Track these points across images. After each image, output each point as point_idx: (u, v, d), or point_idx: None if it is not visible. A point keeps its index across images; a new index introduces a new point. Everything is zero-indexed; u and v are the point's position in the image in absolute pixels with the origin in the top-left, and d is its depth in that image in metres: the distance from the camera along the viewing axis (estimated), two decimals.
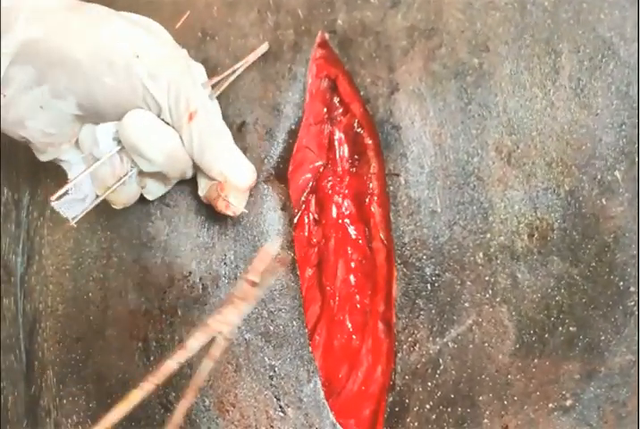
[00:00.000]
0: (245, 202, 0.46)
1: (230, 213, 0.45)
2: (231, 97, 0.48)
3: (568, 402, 0.47)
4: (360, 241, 0.50)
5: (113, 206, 0.46)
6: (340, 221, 0.50)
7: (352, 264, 0.50)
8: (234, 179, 0.44)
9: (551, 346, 0.47)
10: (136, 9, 0.46)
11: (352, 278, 0.50)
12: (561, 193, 0.47)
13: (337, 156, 0.51)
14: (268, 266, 0.40)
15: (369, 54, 0.48)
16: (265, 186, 0.48)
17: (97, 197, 0.45)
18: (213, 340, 0.39)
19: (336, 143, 0.50)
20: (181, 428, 0.45)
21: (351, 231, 0.51)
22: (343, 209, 0.51)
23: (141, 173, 0.45)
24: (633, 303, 0.47)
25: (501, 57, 0.47)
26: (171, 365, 0.39)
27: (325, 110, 0.51)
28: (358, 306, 0.50)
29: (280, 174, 0.48)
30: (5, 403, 0.52)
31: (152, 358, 0.47)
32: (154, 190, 0.47)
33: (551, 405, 0.47)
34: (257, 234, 0.47)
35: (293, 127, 0.49)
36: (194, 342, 0.39)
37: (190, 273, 0.48)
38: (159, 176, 0.45)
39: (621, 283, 0.47)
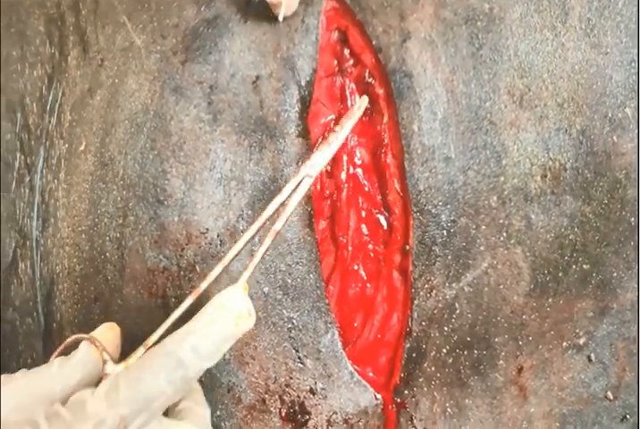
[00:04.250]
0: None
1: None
2: (243, 52, 0.49)
3: (582, 340, 0.48)
4: (372, 191, 0.51)
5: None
6: (351, 171, 0.51)
7: (363, 214, 0.51)
8: None
9: (565, 285, 0.48)
10: None
11: (364, 227, 0.51)
12: (573, 133, 0.47)
13: (349, 106, 0.51)
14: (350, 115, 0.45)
15: (380, 2, 0.49)
16: (282, 141, 0.48)
17: None
18: (301, 181, 0.43)
19: (347, 94, 0.51)
20: (201, 381, 0.46)
21: (363, 180, 0.51)
22: (356, 159, 0.51)
23: None
24: None
25: (510, 1, 0.47)
26: (271, 207, 0.43)
27: (336, 62, 0.51)
28: (372, 254, 0.51)
29: (296, 128, 0.49)
30: (24, 366, 0.52)
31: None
32: None
33: (565, 344, 0.48)
34: (275, 190, 0.48)
35: (308, 79, 0.49)
36: (287, 187, 0.43)
37: (208, 229, 0.48)
38: None
39: (632, 219, 0.48)
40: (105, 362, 0.40)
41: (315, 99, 0.50)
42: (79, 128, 0.51)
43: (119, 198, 0.50)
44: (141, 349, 0.41)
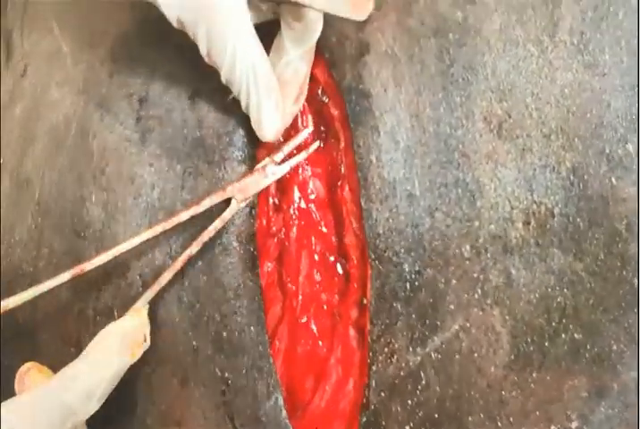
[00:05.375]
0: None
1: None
2: (180, 61, 0.45)
3: (574, 425, 0.43)
4: (327, 231, 0.47)
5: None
6: (304, 205, 0.47)
7: (316, 257, 0.47)
8: None
9: (553, 357, 0.43)
10: None
11: (317, 273, 0.47)
12: (562, 171, 0.43)
13: (299, 127, 0.46)
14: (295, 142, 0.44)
15: None
16: (222, 167, 0.44)
17: None
18: (228, 203, 0.42)
19: (298, 114, 0.46)
20: None
21: (317, 217, 0.47)
22: (309, 191, 0.47)
23: None
24: None
25: (488, 9, 0.43)
26: (183, 216, 0.41)
27: None
28: (325, 307, 0.46)
29: (240, 153, 0.45)
30: None
31: None
32: None
33: (553, 428, 0.43)
34: (208, 224, 0.43)
35: None
36: (207, 201, 0.42)
37: (128, 268, 0.44)
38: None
39: (635, 280, 0.43)
40: None
41: None
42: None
43: (34, 227, 0.46)
44: None
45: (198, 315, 0.43)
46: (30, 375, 0.40)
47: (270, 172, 0.43)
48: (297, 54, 0.41)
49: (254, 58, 0.39)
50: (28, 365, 0.41)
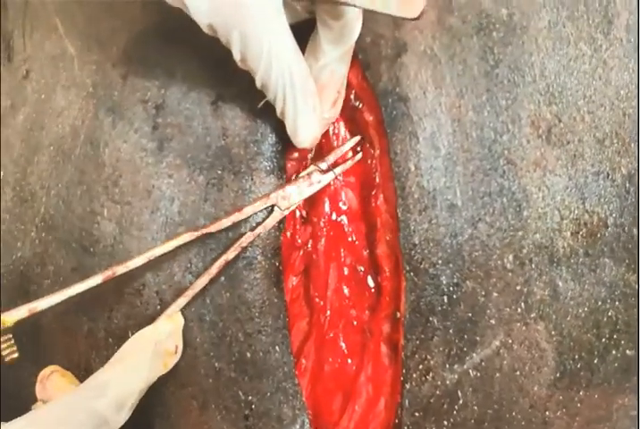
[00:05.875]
0: None
1: None
2: (200, 64, 0.43)
3: None
4: (357, 243, 0.45)
5: None
6: (335, 217, 0.45)
7: (345, 271, 0.45)
8: None
9: (602, 374, 0.42)
10: None
11: (346, 288, 0.45)
12: (617, 178, 0.41)
13: (330, 135, 0.45)
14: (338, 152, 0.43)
15: None
16: (248, 178, 0.42)
17: None
18: (271, 211, 0.42)
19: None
20: None
21: (347, 229, 0.45)
22: (341, 203, 0.45)
23: None
24: None
25: (536, 5, 0.42)
26: (225, 222, 0.40)
27: None
28: (355, 322, 0.45)
29: (268, 163, 0.43)
30: None
31: None
32: None
33: None
34: (234, 237, 0.42)
35: None
36: (250, 208, 0.41)
37: (144, 285, 0.42)
38: None
39: None
40: None
41: None
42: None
43: (37, 242, 0.44)
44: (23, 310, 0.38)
45: (221, 334, 0.42)
46: (52, 380, 0.40)
47: (315, 180, 0.42)
48: (334, 55, 0.39)
49: (290, 60, 0.37)
50: (50, 368, 0.40)
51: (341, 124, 0.45)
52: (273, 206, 0.41)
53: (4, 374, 0.44)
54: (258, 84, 0.38)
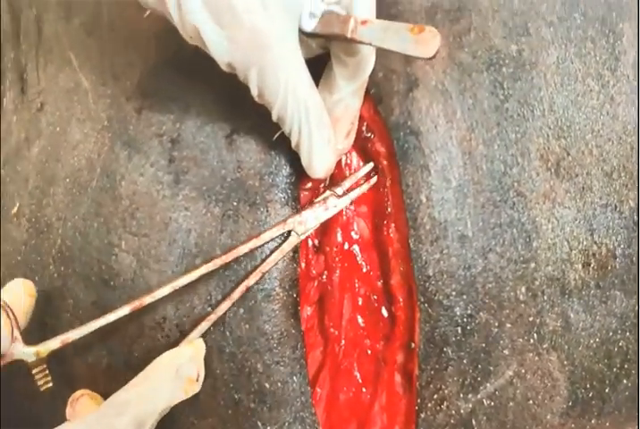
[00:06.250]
0: None
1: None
2: (215, 97, 0.43)
3: None
4: (371, 273, 0.45)
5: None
6: (346, 247, 0.45)
7: (360, 301, 0.45)
8: None
9: (613, 403, 0.42)
10: None
11: (360, 318, 0.45)
12: (625, 211, 0.42)
13: (342, 165, 0.45)
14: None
15: None
16: (263, 210, 0.42)
17: None
18: (287, 236, 0.42)
19: None
20: None
21: (361, 260, 0.45)
22: (352, 233, 0.45)
23: None
24: None
25: (544, 42, 0.42)
26: (242, 249, 0.40)
27: None
28: (369, 352, 0.45)
29: (283, 195, 0.43)
30: None
31: None
32: None
33: None
34: (252, 268, 0.41)
35: None
36: (267, 234, 0.41)
37: (165, 318, 0.42)
38: None
39: None
40: (14, 340, 0.37)
41: None
42: (12, 185, 0.46)
43: (55, 275, 0.44)
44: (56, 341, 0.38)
45: (240, 366, 0.41)
46: (82, 403, 0.40)
47: (331, 204, 0.42)
48: (349, 90, 0.39)
49: (307, 95, 0.37)
50: (80, 392, 0.40)
51: (354, 154, 0.45)
52: (289, 232, 0.41)
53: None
54: (275, 117, 0.38)
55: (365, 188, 0.43)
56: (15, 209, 0.46)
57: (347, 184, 0.43)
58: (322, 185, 0.45)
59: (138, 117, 0.44)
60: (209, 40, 0.35)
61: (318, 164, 0.40)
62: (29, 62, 0.47)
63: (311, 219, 0.42)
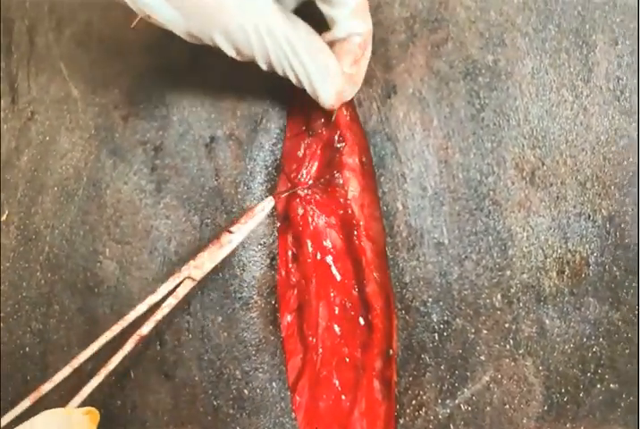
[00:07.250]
0: None
1: None
2: (196, 107, 0.44)
3: None
4: (346, 282, 0.45)
5: None
6: (319, 257, 0.45)
7: (336, 310, 0.45)
8: None
9: (588, 407, 0.42)
10: None
11: (336, 327, 0.45)
12: (598, 219, 0.42)
13: (302, 173, 0.45)
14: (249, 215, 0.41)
15: None
16: (243, 221, 0.42)
17: None
18: (181, 282, 0.40)
19: (307, 160, 0.45)
20: None
21: (334, 270, 0.45)
22: (324, 242, 0.45)
23: None
24: None
25: (520, 52, 0.42)
26: (140, 308, 0.40)
27: (304, 121, 0.45)
28: (347, 359, 0.45)
29: (258, 202, 0.43)
30: None
31: None
32: None
33: None
34: (230, 278, 0.42)
35: (274, 142, 0.44)
36: (163, 287, 0.40)
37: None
38: None
39: None
40: None
41: (283, 166, 0.44)
42: (2, 193, 0.47)
43: (43, 282, 0.45)
44: None
45: (219, 373, 0.42)
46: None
47: (226, 241, 0.41)
48: (345, 13, 0.38)
49: (284, 31, 0.36)
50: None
51: (315, 163, 0.45)
52: (185, 279, 0.41)
53: None
54: (264, 68, 0.37)
55: (257, 220, 0.41)
56: (4, 217, 0.46)
57: (242, 220, 0.41)
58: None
59: (125, 125, 0.45)
60: (165, 21, 0.35)
61: (324, 91, 0.39)
62: (20, 71, 0.48)
63: (207, 262, 0.41)
